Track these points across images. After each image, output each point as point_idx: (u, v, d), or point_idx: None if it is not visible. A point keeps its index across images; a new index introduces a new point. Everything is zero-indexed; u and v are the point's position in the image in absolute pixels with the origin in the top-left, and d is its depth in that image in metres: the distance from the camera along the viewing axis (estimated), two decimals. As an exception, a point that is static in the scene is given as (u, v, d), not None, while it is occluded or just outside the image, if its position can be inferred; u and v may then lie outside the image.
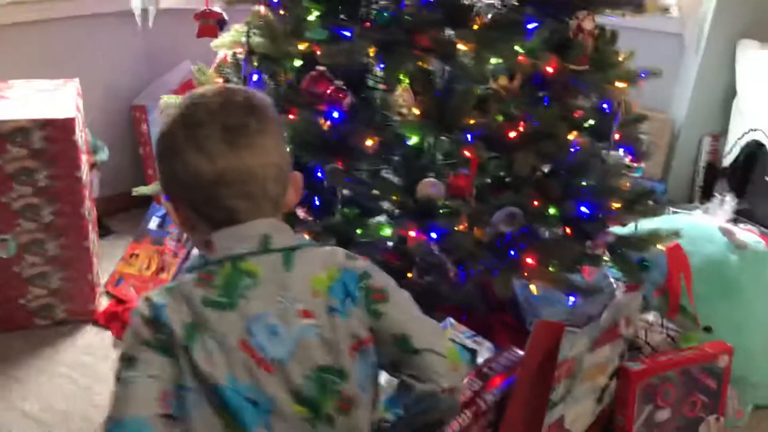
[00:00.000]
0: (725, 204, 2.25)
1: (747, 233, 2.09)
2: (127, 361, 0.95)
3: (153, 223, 2.51)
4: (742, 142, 2.90)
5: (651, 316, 1.97)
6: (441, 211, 1.65)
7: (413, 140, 1.63)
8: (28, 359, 2.13)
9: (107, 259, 2.59)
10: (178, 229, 2.45)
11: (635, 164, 2.09)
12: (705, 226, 2.15)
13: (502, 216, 1.67)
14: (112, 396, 0.98)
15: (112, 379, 2.05)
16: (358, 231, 1.76)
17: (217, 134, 0.92)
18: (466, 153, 1.56)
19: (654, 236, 1.95)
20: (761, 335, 2.02)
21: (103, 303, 2.37)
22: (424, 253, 1.63)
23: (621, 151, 1.95)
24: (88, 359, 2.14)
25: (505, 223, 1.67)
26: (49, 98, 2.14)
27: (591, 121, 1.85)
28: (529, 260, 1.69)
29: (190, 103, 0.97)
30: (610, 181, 1.83)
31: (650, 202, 1.92)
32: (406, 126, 1.61)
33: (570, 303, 1.78)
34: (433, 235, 1.63)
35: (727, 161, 2.97)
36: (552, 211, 1.79)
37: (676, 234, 1.98)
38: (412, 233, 1.60)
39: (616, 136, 1.85)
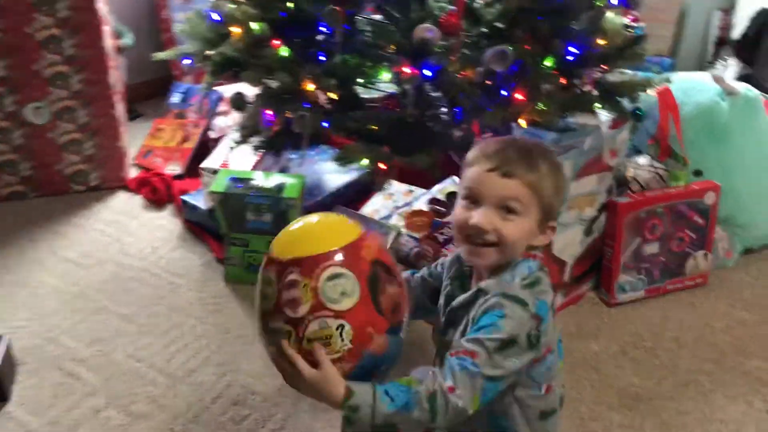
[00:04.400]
0: (729, 67, 2.30)
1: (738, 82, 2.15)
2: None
3: (176, 98, 2.66)
4: (753, 15, 2.91)
5: (642, 159, 2.07)
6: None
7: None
8: (68, 218, 2.33)
9: (137, 138, 2.77)
10: (204, 107, 2.61)
11: (634, 24, 2.16)
12: (698, 79, 2.22)
13: (493, 54, 1.77)
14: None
15: (140, 234, 2.25)
16: (360, 79, 1.89)
17: None
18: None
19: (645, 81, 2.03)
20: (749, 177, 2.11)
21: (132, 173, 2.56)
22: (417, 87, 1.75)
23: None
24: (121, 218, 2.34)
25: (496, 61, 1.77)
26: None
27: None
28: (518, 96, 1.79)
29: None
30: (599, 25, 1.89)
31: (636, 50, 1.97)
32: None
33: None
34: (427, 72, 1.74)
35: (736, 34, 2.98)
36: (547, 61, 1.88)
37: (667, 80, 2.05)
38: (407, 69, 1.71)
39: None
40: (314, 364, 1.06)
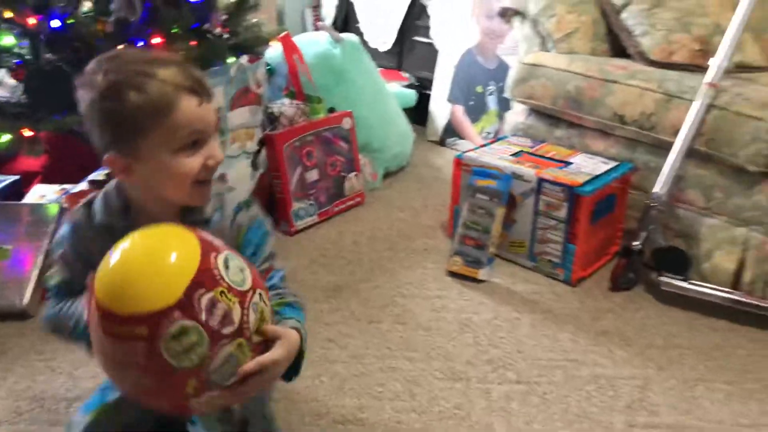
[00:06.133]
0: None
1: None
2: None
3: None
4: (336, 4, 3.40)
5: (283, 100, 2.27)
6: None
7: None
8: None
9: None
10: None
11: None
12: (310, 37, 2.54)
13: (121, 3, 1.80)
14: None
15: None
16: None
17: None
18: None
19: (266, 35, 2.24)
20: (370, 107, 2.47)
21: None
22: (49, 45, 1.69)
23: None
24: None
25: (125, 10, 1.80)
26: None
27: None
28: (156, 41, 1.84)
29: None
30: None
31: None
32: None
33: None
34: (55, 23, 1.69)
35: (328, 22, 3.44)
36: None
37: (281, 28, 2.31)
38: (32, 20, 1.65)
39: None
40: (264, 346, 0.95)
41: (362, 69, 2.48)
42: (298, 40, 2.45)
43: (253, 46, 2.20)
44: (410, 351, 1.61)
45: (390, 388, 1.48)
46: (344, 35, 2.48)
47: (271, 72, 2.34)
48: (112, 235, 1.00)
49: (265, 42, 2.23)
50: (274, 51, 2.34)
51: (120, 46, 1.81)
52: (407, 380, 1.50)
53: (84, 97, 0.98)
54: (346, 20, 3.41)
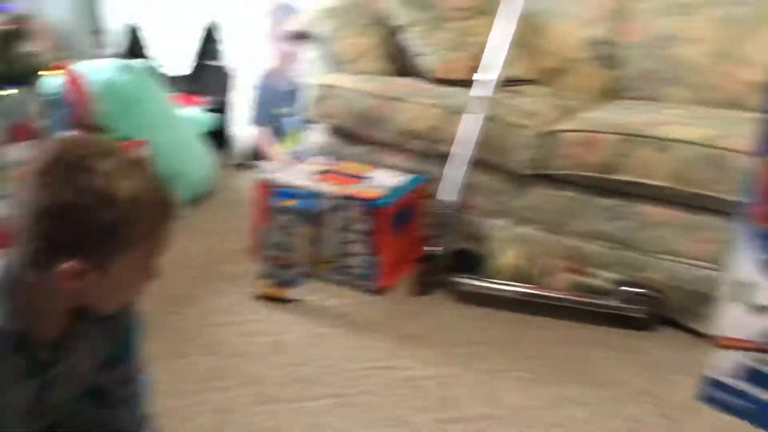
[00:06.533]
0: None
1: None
2: None
3: None
4: (127, 32, 3.27)
5: (69, 132, 2.14)
6: None
7: None
8: None
9: None
10: None
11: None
12: (97, 63, 2.42)
13: None
14: None
15: None
16: None
17: None
18: None
19: (43, 64, 2.11)
20: (165, 133, 2.40)
21: None
22: None
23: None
24: None
25: None
26: None
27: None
28: None
29: None
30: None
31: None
32: None
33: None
34: None
35: (116, 49, 3.29)
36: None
37: (62, 56, 2.18)
38: None
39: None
40: None
41: (152, 95, 2.41)
42: (83, 67, 2.33)
43: (28, 77, 2.06)
44: (221, 380, 1.58)
45: (201, 421, 1.44)
46: (132, 61, 2.40)
47: (53, 102, 2.20)
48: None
49: (41, 71, 2.09)
50: (56, 81, 2.20)
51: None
52: (219, 410, 1.47)
53: (55, 195, 0.79)
54: (135, 46, 3.28)
